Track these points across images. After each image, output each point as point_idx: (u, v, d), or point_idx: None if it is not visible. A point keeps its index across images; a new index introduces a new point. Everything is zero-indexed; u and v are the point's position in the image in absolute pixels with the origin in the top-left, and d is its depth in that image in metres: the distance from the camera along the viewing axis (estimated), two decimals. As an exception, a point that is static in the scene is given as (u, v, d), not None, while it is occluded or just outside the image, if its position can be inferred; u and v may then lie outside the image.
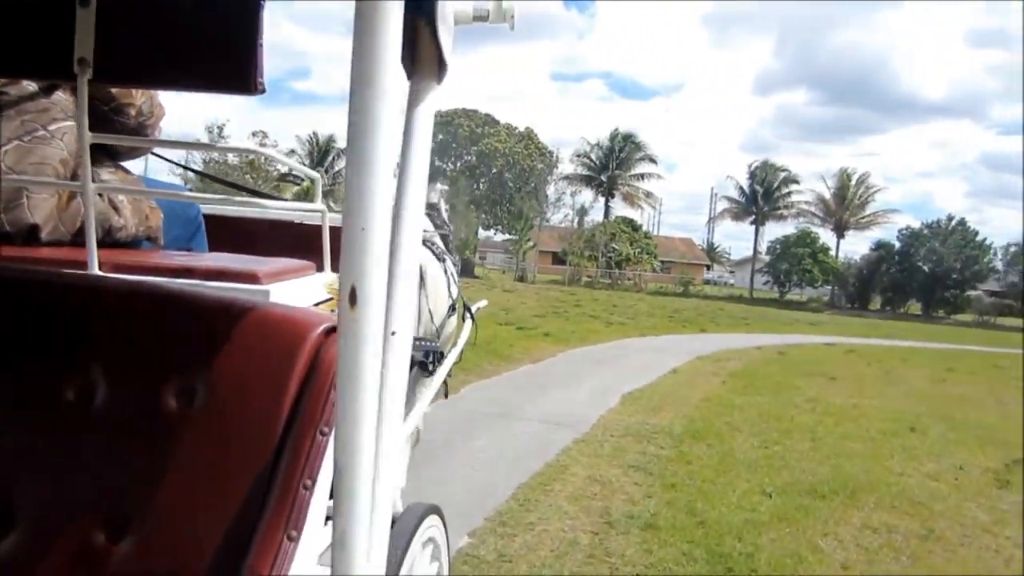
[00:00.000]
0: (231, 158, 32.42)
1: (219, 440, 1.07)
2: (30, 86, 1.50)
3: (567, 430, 6.41)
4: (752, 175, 52.92)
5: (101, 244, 1.44)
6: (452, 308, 3.87)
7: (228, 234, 2.23)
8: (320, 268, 1.84)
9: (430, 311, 3.49)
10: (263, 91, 1.22)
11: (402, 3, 0.73)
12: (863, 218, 53.21)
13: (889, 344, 19.56)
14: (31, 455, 1.08)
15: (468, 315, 4.02)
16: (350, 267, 0.75)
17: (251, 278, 1.43)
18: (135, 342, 1.12)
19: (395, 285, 0.92)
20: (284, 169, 35.57)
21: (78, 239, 1.47)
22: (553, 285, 37.33)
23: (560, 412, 7.08)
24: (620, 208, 52.37)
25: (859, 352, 15.56)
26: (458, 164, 50.93)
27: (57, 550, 1.03)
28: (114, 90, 1.62)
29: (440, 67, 1.00)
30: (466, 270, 35.26)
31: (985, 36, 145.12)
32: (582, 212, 48.92)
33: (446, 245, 4.11)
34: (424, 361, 3.39)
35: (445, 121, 50.77)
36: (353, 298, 0.74)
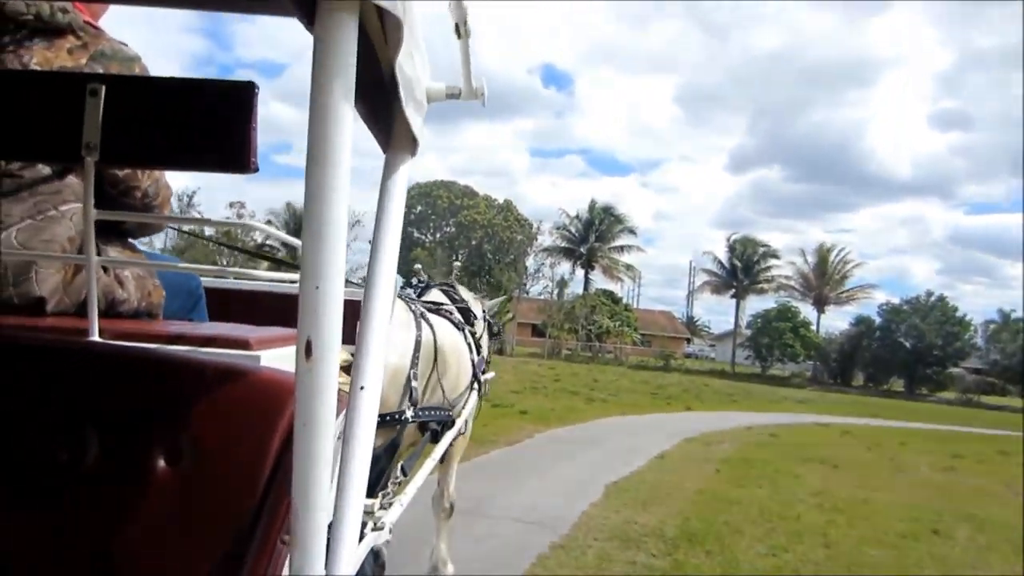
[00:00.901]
0: (207, 230, 32.02)
1: (204, 497, 1.11)
2: (44, 170, 1.57)
3: (543, 531, 5.50)
4: (731, 249, 53.03)
5: (104, 316, 1.54)
6: (475, 379, 3.76)
7: (231, 307, 2.24)
8: None
9: (443, 387, 3.31)
10: (256, 170, 1.30)
11: (351, 88, 0.79)
12: (842, 293, 53.30)
13: (881, 425, 18.73)
14: (27, 513, 1.12)
15: (477, 386, 3.87)
16: (305, 322, 0.78)
17: (242, 344, 1.44)
18: (126, 404, 1.17)
19: (366, 342, 1.02)
20: (259, 239, 35.16)
21: (82, 311, 1.53)
22: (532, 358, 36.37)
23: (536, 507, 6.16)
24: (600, 281, 52.10)
25: (854, 434, 14.69)
26: (437, 235, 50.58)
27: None
28: (120, 174, 1.67)
29: (412, 142, 1.12)
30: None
31: (946, 118, 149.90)
32: (562, 284, 48.42)
33: (466, 319, 3.98)
34: (436, 430, 3.28)
35: (423, 192, 50.72)
36: (308, 350, 0.78)
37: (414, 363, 3.04)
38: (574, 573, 4.62)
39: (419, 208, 50.60)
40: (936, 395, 46.76)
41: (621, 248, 52.30)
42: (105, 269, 1.64)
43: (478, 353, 3.90)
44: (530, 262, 50.06)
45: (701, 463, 9.25)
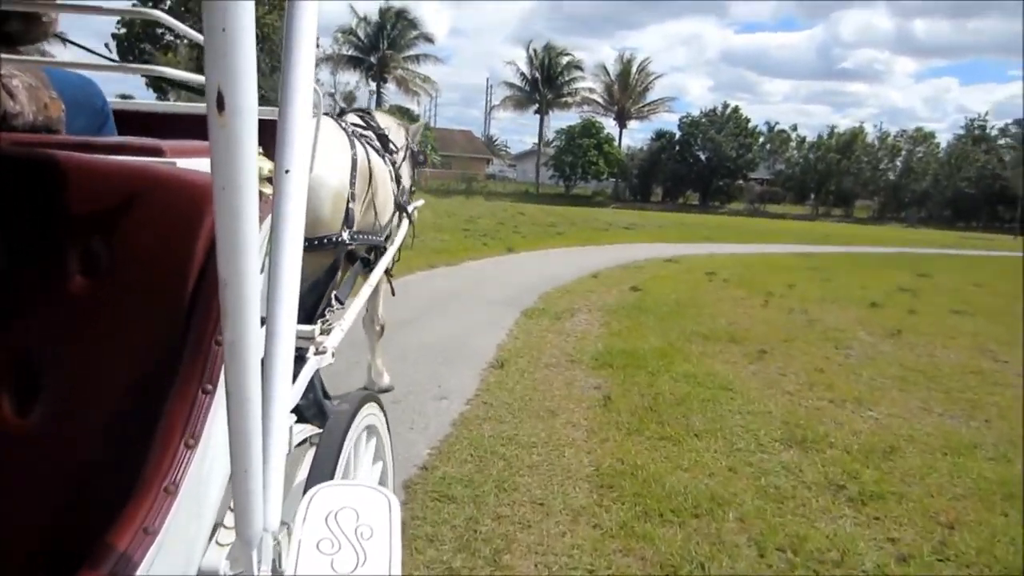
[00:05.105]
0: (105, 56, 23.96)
1: (126, 303, 1.05)
2: None
3: None
4: (531, 59, 49.03)
5: None
6: (398, 208, 3.73)
7: (144, 130, 1.83)
8: None
9: (375, 209, 3.27)
10: None
11: None
12: (644, 106, 51.93)
13: (729, 253, 16.33)
14: None
15: (405, 215, 3.81)
16: (213, 70, 0.68)
17: (155, 151, 1.31)
18: (32, 210, 1.08)
19: (288, 125, 0.91)
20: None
21: None
22: (317, 186, 31.05)
23: None
24: (393, 96, 46.32)
25: (723, 276, 11.68)
26: (184, 40, 41.37)
27: None
28: None
29: None
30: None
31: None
32: (350, 99, 42.13)
33: (384, 146, 3.71)
34: (366, 257, 3.32)
35: (171, -19, 40.66)
36: (220, 103, 0.69)
37: (352, 183, 2.96)
38: None
39: (169, 2, 40.88)
40: (727, 207, 48.20)
41: (417, 58, 46.41)
42: None
43: (398, 184, 3.77)
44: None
45: (564, 370, 5.56)
